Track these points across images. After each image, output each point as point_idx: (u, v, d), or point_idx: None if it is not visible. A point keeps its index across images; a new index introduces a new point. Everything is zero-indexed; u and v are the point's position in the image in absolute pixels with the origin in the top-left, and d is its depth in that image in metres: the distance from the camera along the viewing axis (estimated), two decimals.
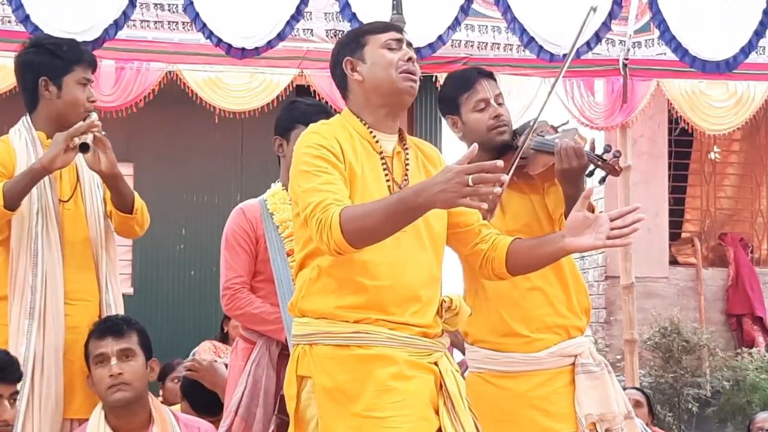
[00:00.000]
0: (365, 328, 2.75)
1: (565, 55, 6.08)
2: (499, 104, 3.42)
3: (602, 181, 3.30)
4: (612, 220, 2.81)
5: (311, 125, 2.94)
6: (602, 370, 3.39)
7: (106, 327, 3.41)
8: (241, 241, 3.65)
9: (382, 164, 2.86)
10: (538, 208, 3.42)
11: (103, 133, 3.44)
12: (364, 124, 2.89)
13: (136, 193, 3.62)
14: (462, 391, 2.84)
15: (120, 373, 3.35)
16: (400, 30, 2.96)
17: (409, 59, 2.88)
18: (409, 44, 2.94)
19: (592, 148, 3.25)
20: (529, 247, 2.93)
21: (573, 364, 3.37)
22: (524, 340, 3.34)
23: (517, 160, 3.30)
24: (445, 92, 3.50)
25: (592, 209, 2.97)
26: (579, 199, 2.81)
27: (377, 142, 2.88)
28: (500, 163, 2.50)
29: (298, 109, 3.75)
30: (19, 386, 3.17)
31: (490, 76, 3.48)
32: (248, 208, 3.72)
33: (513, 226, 3.31)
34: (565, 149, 3.18)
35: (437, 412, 2.77)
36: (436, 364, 2.82)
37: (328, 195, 2.69)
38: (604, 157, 3.25)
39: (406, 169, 2.88)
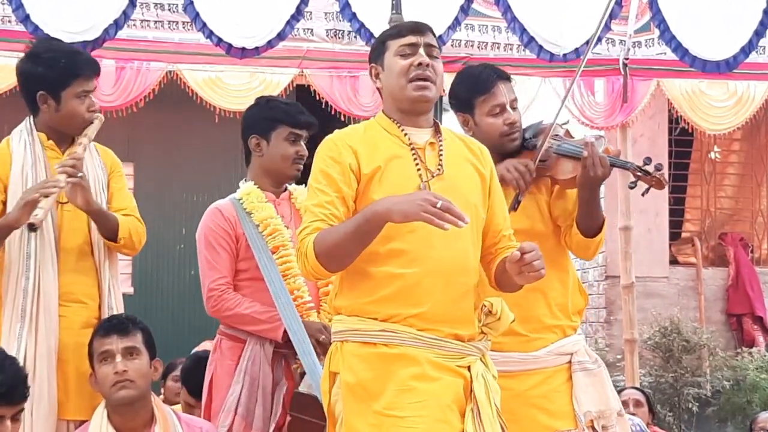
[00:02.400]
0: (393, 327, 2.77)
1: (565, 54, 6.10)
2: (514, 109, 3.43)
3: (645, 192, 3.36)
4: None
5: (336, 131, 2.97)
6: (599, 367, 3.40)
7: (112, 325, 3.41)
8: (221, 240, 3.61)
9: (413, 155, 2.88)
10: (543, 209, 3.43)
11: (80, 174, 3.35)
12: (394, 121, 2.93)
13: (126, 219, 3.54)
14: (493, 398, 2.83)
15: (125, 371, 3.34)
16: (419, 32, 2.94)
17: (420, 64, 2.88)
18: (429, 45, 2.92)
19: (638, 163, 3.30)
20: (502, 271, 2.92)
21: (569, 362, 3.38)
22: (523, 339, 3.34)
23: (531, 158, 3.33)
24: (460, 90, 3.47)
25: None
26: (509, 262, 2.79)
27: (405, 135, 2.90)
28: (468, 219, 2.61)
29: (280, 108, 3.74)
30: (25, 404, 3.16)
31: (508, 78, 3.49)
32: (223, 207, 3.67)
33: (519, 225, 3.31)
34: (592, 158, 3.21)
35: (465, 416, 2.77)
36: (469, 368, 2.82)
37: (312, 222, 2.80)
38: (647, 169, 3.29)
39: (440, 159, 2.89)
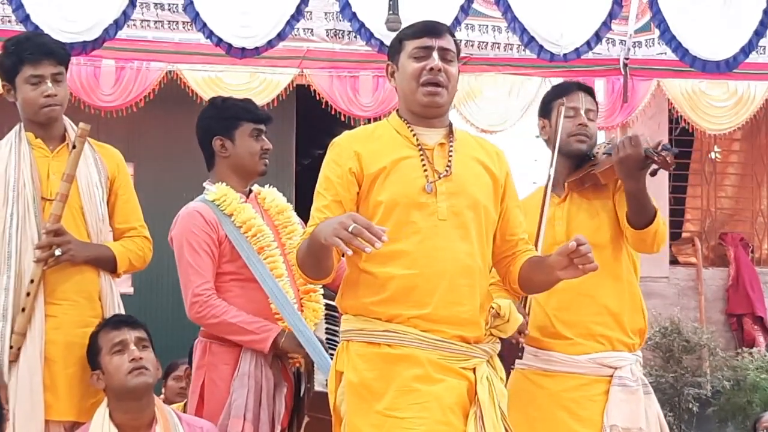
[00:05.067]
0: (396, 328, 2.77)
1: (566, 54, 6.11)
2: (589, 119, 3.58)
3: (653, 174, 3.39)
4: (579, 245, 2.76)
5: (344, 132, 2.97)
6: (638, 386, 3.44)
7: (120, 320, 3.42)
8: (203, 244, 3.56)
9: (420, 156, 2.86)
10: (602, 218, 3.50)
11: (57, 254, 3.33)
12: (405, 122, 2.92)
13: (124, 250, 3.56)
14: (498, 401, 2.80)
15: (141, 358, 3.34)
16: (435, 34, 2.89)
17: (432, 69, 2.83)
18: (443, 49, 2.87)
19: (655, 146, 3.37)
20: (531, 270, 2.91)
21: (611, 375, 3.42)
22: (568, 342, 3.41)
23: (589, 166, 3.47)
24: (546, 96, 3.72)
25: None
26: (559, 254, 2.77)
27: (414, 135, 2.88)
28: (386, 238, 2.56)
29: (239, 106, 3.74)
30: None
31: (589, 91, 3.66)
32: (202, 210, 3.61)
33: (581, 233, 3.31)
34: (620, 140, 3.33)
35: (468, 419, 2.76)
36: (474, 370, 2.81)
37: (310, 226, 2.84)
38: (657, 149, 3.35)
39: (449, 160, 2.87)
